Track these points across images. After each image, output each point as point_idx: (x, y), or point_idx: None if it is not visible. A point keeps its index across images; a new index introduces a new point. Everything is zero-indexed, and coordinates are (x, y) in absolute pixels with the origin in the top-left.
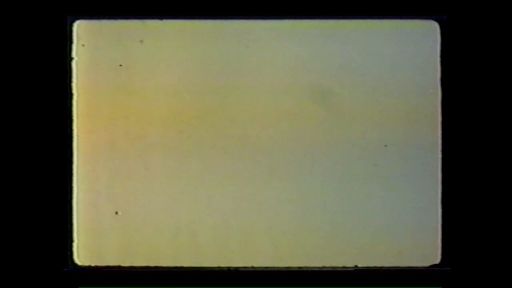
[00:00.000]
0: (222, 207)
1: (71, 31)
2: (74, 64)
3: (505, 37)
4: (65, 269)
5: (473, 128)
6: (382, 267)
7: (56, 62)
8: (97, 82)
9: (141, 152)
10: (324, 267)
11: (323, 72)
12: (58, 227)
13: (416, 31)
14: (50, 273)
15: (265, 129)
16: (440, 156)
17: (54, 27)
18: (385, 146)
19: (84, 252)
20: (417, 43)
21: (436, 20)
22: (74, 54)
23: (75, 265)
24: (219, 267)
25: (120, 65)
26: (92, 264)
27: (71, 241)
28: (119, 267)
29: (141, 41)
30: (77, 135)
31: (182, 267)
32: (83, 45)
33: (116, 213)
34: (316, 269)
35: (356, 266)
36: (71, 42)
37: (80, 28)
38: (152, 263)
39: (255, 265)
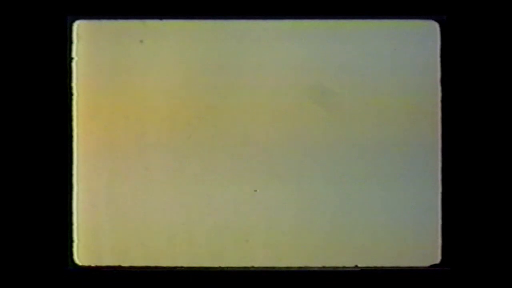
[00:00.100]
0: (222, 207)
1: (71, 31)
2: (74, 64)
3: (505, 37)
4: (65, 269)
5: (473, 128)
6: (382, 267)
7: (56, 62)
8: (97, 82)
9: (141, 152)
10: (324, 267)
11: (323, 72)
12: (58, 227)
13: (416, 31)
14: (50, 273)
15: (265, 129)
16: (440, 156)
17: (54, 27)
18: (385, 146)
19: (84, 252)
20: (417, 43)
21: (436, 20)
22: (74, 54)
23: (75, 265)
24: (219, 267)
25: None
26: (92, 264)
27: (71, 241)
28: (119, 267)
29: (141, 41)
30: (77, 135)
31: (182, 267)
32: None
33: (116, 213)
34: (316, 269)
35: (356, 266)
36: (71, 42)
37: (80, 28)
38: (152, 263)
39: (255, 265)
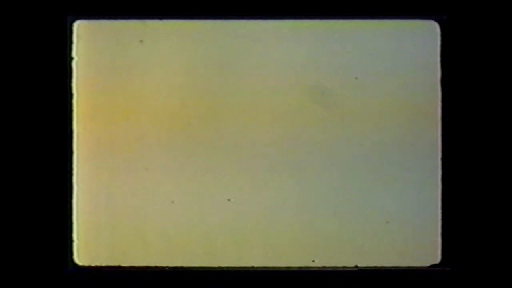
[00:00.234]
0: (222, 207)
1: (71, 31)
2: (74, 64)
3: (505, 37)
4: (65, 269)
5: (473, 128)
6: (382, 267)
7: (56, 62)
8: (97, 82)
9: (141, 152)
10: (324, 267)
11: (323, 72)
12: (58, 227)
13: (416, 31)
14: (50, 273)
15: (265, 129)
16: (440, 156)
17: (54, 27)
18: (385, 146)
19: (84, 252)
20: (417, 43)
21: (436, 20)
22: (74, 54)
23: (75, 265)
24: (219, 267)
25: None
26: (92, 264)
27: (71, 241)
28: (119, 267)
29: (141, 41)
30: (77, 135)
31: (182, 267)
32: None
33: (116, 213)
34: (316, 269)
35: (356, 266)
36: (71, 42)
37: (80, 28)
38: (152, 263)
39: (255, 265)
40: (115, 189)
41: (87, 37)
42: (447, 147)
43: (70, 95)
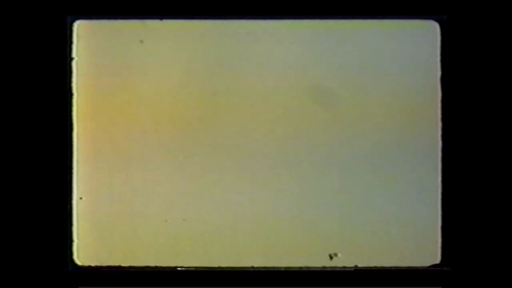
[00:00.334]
0: (222, 207)
1: (71, 31)
2: (74, 64)
3: (505, 37)
4: (65, 269)
5: (473, 128)
6: (382, 267)
7: (56, 62)
8: (97, 82)
9: (141, 152)
10: (324, 267)
11: (323, 72)
12: (58, 227)
13: (416, 31)
14: (50, 273)
15: (265, 129)
16: (440, 156)
17: (54, 27)
18: (385, 146)
19: (84, 252)
20: (417, 43)
21: (436, 20)
22: (74, 54)
23: (75, 265)
24: (219, 267)
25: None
26: (92, 264)
27: (71, 241)
28: (119, 267)
29: (141, 41)
30: (77, 135)
31: (182, 267)
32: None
33: (116, 213)
34: (316, 269)
35: (356, 266)
36: (71, 42)
37: (80, 28)
38: (152, 263)
39: (255, 265)
40: (115, 189)
41: (87, 37)
42: (447, 147)
43: (70, 95)
